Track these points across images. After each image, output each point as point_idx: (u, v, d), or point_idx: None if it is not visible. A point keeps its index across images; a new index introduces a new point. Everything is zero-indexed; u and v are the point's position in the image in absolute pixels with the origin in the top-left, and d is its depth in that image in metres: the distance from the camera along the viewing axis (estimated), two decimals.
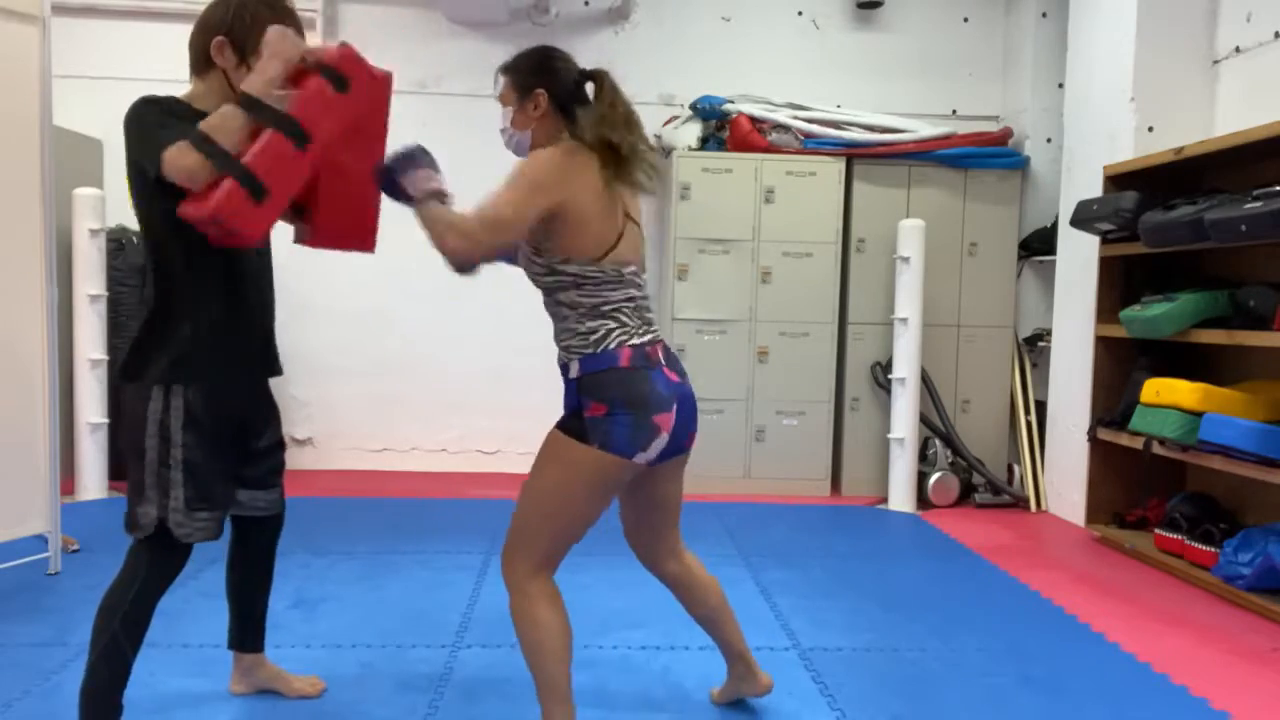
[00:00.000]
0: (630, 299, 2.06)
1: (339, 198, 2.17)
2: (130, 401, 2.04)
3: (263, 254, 2.23)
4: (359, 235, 2.26)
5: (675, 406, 2.02)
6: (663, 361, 2.05)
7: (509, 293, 5.31)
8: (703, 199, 4.96)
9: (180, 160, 1.84)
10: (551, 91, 2.07)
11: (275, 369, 2.29)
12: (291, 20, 2.07)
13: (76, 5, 5.12)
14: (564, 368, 2.07)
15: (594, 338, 2.01)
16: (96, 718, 2.04)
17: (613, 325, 2.02)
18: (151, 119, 1.93)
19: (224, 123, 1.86)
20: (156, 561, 2.05)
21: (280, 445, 2.35)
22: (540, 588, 2.02)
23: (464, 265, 2.08)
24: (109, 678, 2.03)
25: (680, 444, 2.07)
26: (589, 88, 2.10)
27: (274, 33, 1.93)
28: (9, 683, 2.46)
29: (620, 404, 1.96)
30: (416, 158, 2.04)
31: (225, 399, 2.09)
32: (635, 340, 2.03)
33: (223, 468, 2.11)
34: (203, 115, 1.94)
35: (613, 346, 2.00)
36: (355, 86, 1.97)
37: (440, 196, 2.01)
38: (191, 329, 2.03)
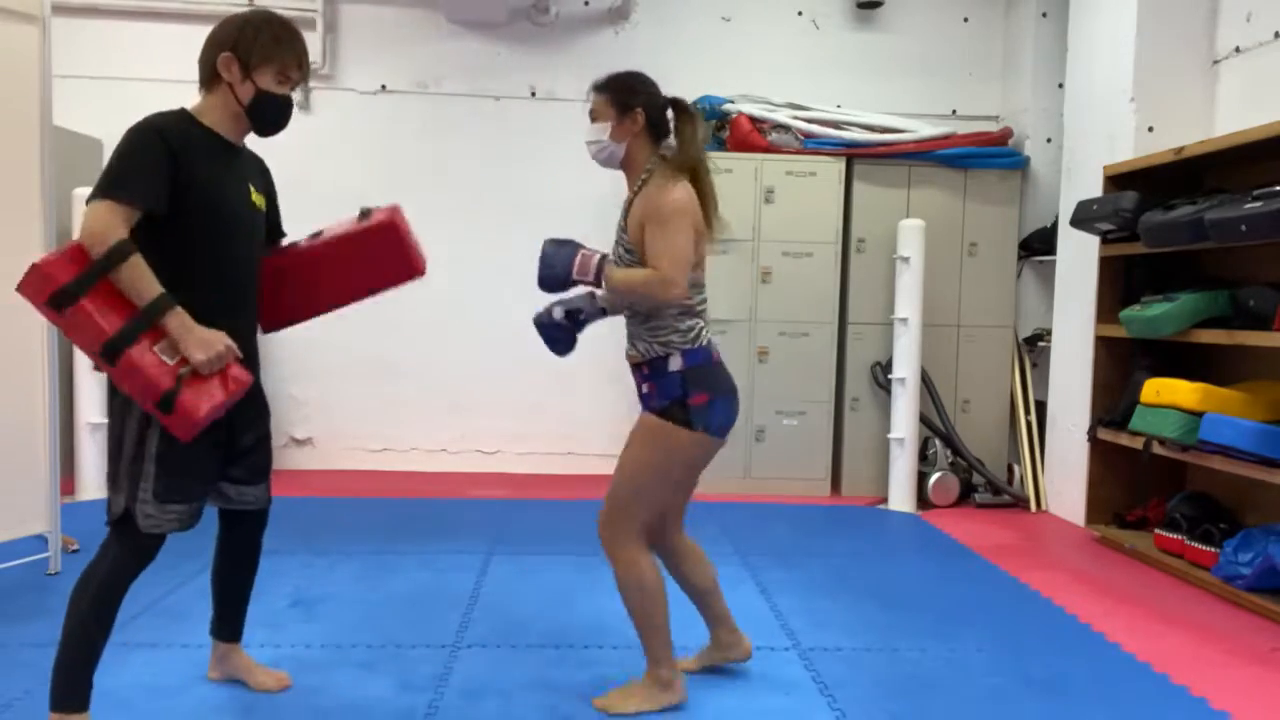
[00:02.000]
0: (704, 300, 2.39)
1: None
2: (118, 394, 2.10)
3: (251, 259, 2.27)
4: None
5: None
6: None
7: (509, 293, 5.34)
8: None
9: (93, 224, 1.92)
10: (647, 112, 2.33)
11: (256, 371, 2.31)
12: (296, 41, 2.18)
13: (76, 5, 5.12)
14: (660, 360, 2.31)
15: (691, 334, 2.32)
16: (66, 695, 2.09)
17: (701, 324, 2.35)
18: (133, 149, 2.00)
19: (137, 283, 1.94)
20: (125, 548, 2.09)
21: (266, 441, 2.38)
22: (643, 554, 2.34)
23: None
24: (77, 657, 2.09)
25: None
26: (670, 114, 2.37)
27: (215, 355, 2.00)
28: (9, 683, 2.46)
29: (720, 392, 2.33)
30: (557, 257, 2.34)
31: None
32: (712, 338, 2.38)
33: (202, 463, 2.15)
34: (209, 131, 2.11)
35: (705, 343, 2.34)
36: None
37: (603, 262, 2.32)
38: None
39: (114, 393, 2.12)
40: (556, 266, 2.32)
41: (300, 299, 2.39)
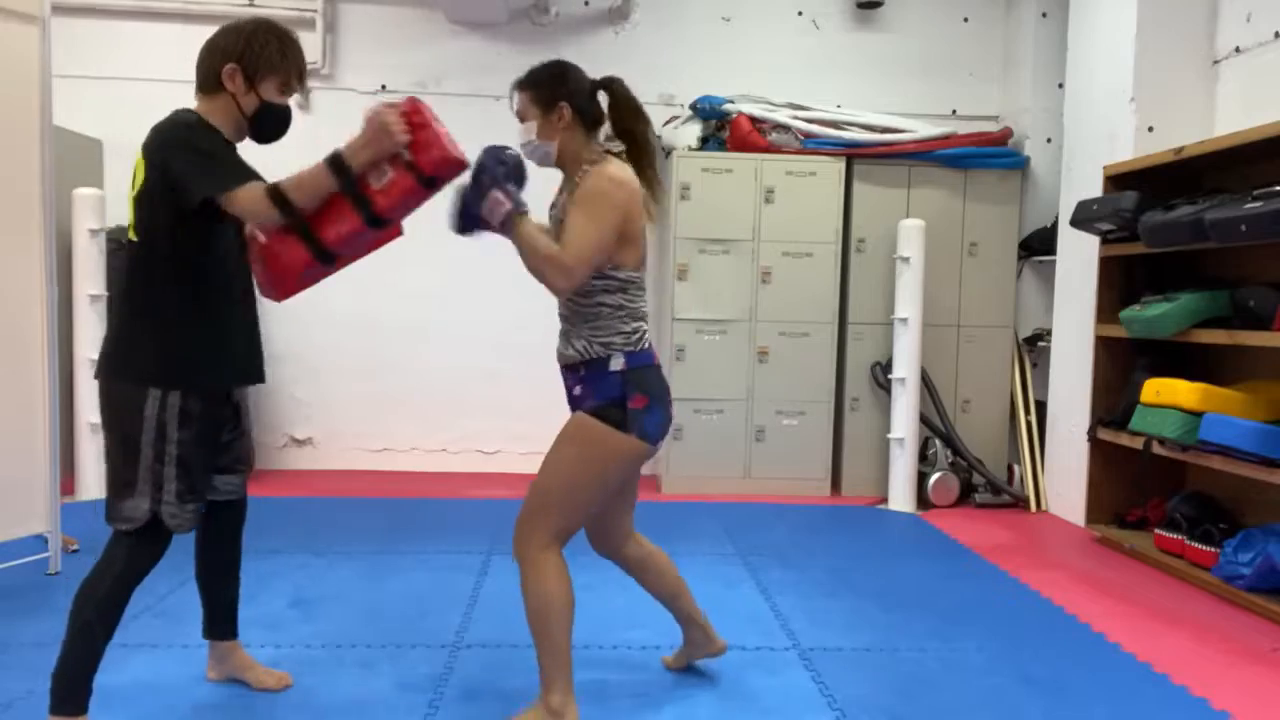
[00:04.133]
0: (645, 301, 2.29)
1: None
2: (124, 399, 2.12)
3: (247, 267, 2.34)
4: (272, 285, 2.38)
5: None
6: None
7: (509, 293, 5.33)
8: (703, 199, 4.96)
9: (254, 206, 2.00)
10: (573, 103, 2.22)
11: (262, 375, 2.38)
12: (298, 53, 2.22)
13: (76, 5, 5.12)
14: (599, 360, 2.20)
15: (634, 337, 2.22)
16: (68, 698, 2.10)
17: (644, 326, 2.26)
18: (205, 146, 2.08)
19: (313, 184, 2.02)
20: (140, 551, 2.13)
21: (245, 434, 2.45)
22: (552, 561, 2.19)
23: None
24: (81, 661, 2.10)
25: None
26: (602, 96, 2.27)
27: (379, 116, 2.01)
28: (10, 682, 2.47)
29: (655, 398, 2.21)
30: (483, 180, 2.12)
31: (217, 398, 2.21)
32: (652, 341, 2.27)
33: (209, 462, 2.22)
34: (219, 134, 2.14)
35: (647, 346, 2.25)
36: (448, 180, 2.10)
37: (517, 212, 2.12)
38: (193, 334, 2.14)
39: (112, 398, 2.14)
40: (468, 198, 2.14)
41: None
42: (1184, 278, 4.03)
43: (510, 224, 2.11)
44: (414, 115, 2.04)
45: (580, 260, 2.10)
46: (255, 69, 2.14)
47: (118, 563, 2.10)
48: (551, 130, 2.22)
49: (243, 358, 2.27)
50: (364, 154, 2.02)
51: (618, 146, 2.30)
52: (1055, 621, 3.18)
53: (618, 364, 2.18)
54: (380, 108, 2.02)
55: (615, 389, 2.17)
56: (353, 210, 2.04)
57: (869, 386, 5.15)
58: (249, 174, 2.08)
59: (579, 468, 2.18)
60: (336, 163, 2.01)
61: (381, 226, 2.09)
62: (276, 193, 1.99)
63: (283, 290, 2.30)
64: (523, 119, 2.24)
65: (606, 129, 2.31)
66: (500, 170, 2.11)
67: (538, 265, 2.12)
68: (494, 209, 2.10)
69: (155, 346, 2.11)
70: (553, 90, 2.21)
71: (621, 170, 2.20)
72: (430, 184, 2.06)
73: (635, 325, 2.22)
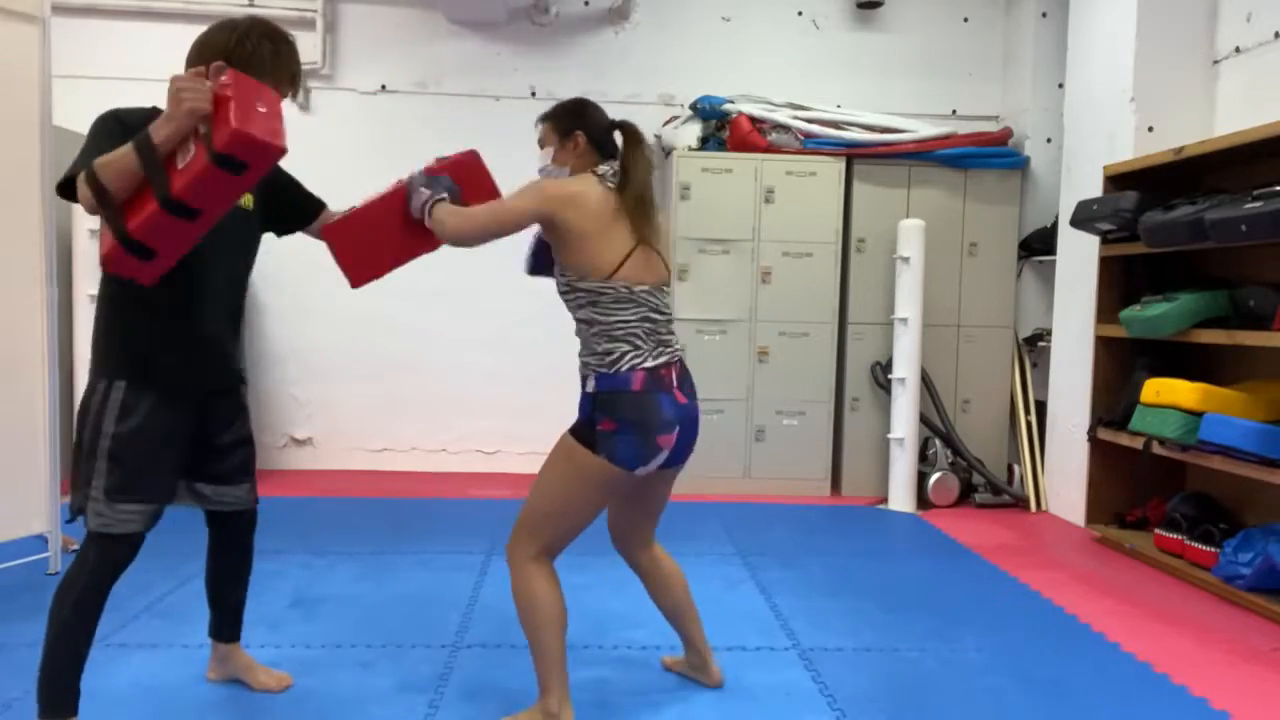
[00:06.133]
0: (644, 319, 2.23)
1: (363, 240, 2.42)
2: (87, 388, 2.10)
3: (235, 265, 2.25)
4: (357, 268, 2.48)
5: (678, 428, 2.22)
6: (674, 384, 2.24)
7: (509, 293, 5.33)
8: (703, 199, 4.96)
9: (80, 190, 1.87)
10: (589, 134, 2.33)
11: (230, 379, 2.29)
12: (292, 55, 2.15)
13: (76, 5, 5.12)
14: (583, 380, 2.26)
15: (609, 359, 2.20)
16: (54, 701, 2.07)
17: (626, 349, 2.20)
18: (93, 133, 1.97)
19: (119, 162, 1.84)
20: (100, 550, 2.06)
21: (245, 443, 2.35)
22: (538, 569, 2.23)
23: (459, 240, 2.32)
24: (63, 662, 2.07)
25: (680, 458, 2.31)
26: (618, 135, 2.34)
27: (176, 89, 1.81)
28: (9, 683, 2.47)
29: (628, 424, 2.16)
30: (410, 185, 2.40)
31: (169, 399, 2.09)
32: (649, 363, 2.20)
33: (158, 462, 2.09)
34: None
35: (625, 369, 2.19)
36: (255, 166, 1.86)
37: (435, 199, 2.35)
38: (142, 329, 2.08)
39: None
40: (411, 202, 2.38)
41: (386, 250, 2.45)
42: (1184, 278, 4.03)
43: (430, 209, 2.30)
44: (223, 88, 1.82)
45: (470, 223, 2.24)
46: (244, 69, 1.99)
47: (89, 560, 2.05)
48: (566, 156, 2.34)
49: (205, 359, 2.17)
50: (166, 128, 1.80)
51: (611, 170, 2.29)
52: (1055, 621, 3.18)
53: (590, 385, 2.22)
54: (180, 76, 1.82)
55: (585, 410, 2.23)
56: (152, 193, 1.82)
57: (869, 386, 5.15)
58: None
59: (560, 486, 2.24)
60: (140, 138, 1.81)
61: (181, 213, 1.84)
62: (89, 173, 1.82)
63: (355, 276, 2.43)
64: (542, 146, 2.38)
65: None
66: (419, 176, 2.38)
67: (441, 224, 2.28)
68: (417, 203, 2.33)
69: (106, 337, 2.08)
70: (569, 121, 2.34)
71: (575, 183, 2.23)
72: (224, 163, 1.79)
73: (610, 346, 2.19)
